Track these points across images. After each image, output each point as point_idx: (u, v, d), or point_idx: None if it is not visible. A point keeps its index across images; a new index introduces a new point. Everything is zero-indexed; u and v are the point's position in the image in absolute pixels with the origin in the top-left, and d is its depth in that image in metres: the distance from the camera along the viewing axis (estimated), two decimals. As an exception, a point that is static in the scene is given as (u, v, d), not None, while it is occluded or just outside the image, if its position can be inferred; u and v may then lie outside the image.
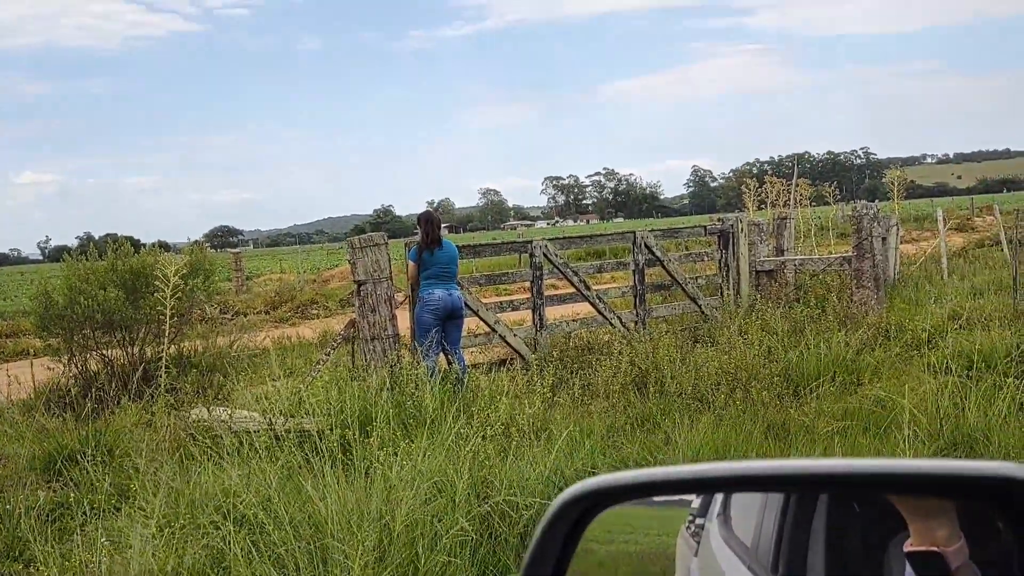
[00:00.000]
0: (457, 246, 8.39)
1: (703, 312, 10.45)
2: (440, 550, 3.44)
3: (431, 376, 7.12)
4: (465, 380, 7.06)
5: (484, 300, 9.55)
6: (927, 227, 30.71)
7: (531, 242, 9.24)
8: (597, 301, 9.53)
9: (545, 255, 9.09)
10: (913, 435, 5.39)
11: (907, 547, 0.97)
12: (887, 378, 7.05)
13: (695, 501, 1.12)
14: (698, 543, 1.15)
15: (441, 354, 7.80)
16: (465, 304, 8.12)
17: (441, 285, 7.76)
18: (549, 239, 9.38)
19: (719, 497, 1.13)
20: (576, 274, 9.42)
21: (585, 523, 0.96)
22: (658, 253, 10.18)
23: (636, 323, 9.66)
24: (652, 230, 10.78)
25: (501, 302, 9.77)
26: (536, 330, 8.86)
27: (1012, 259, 10.32)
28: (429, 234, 7.83)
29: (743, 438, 5.57)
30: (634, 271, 10.05)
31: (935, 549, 0.96)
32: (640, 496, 0.98)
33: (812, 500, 1.02)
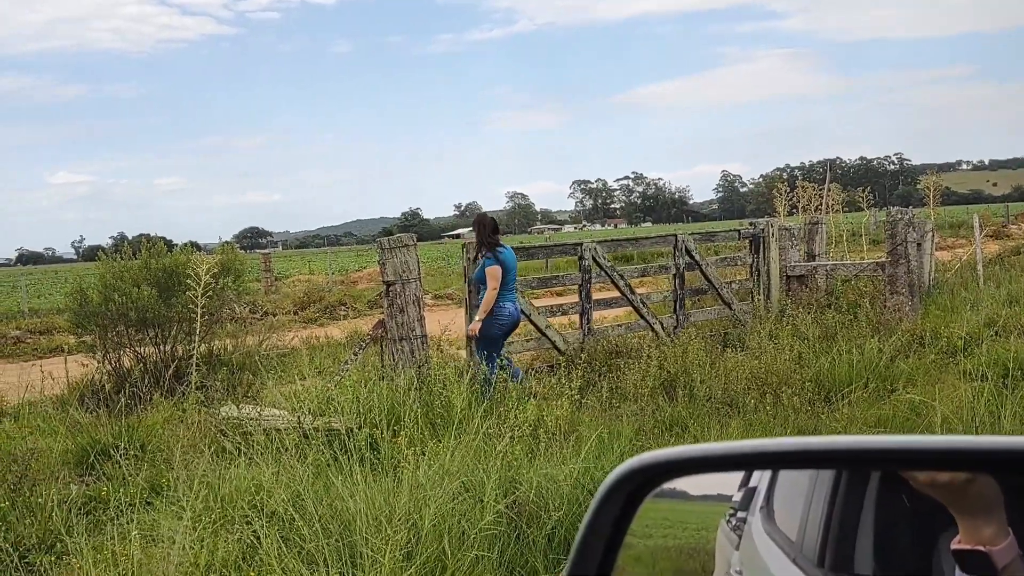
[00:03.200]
0: (512, 247, 8.00)
1: (736, 317, 10.37)
2: (468, 548, 3.43)
3: (487, 394, 6.81)
4: (525, 386, 6.84)
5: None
6: (962, 234, 30.25)
7: (581, 244, 9.13)
8: (641, 305, 9.46)
9: (594, 258, 9.01)
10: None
11: (954, 544, 0.95)
12: (921, 385, 6.94)
13: (736, 495, 1.10)
14: (739, 537, 1.12)
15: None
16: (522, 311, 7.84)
17: (510, 298, 7.41)
18: (597, 241, 9.29)
19: (762, 490, 1.11)
20: (622, 278, 9.33)
21: (639, 501, 0.94)
22: (697, 257, 10.12)
23: (675, 327, 9.59)
24: (691, 234, 10.70)
25: (552, 306, 9.48)
26: (584, 335, 8.73)
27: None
28: (490, 236, 7.47)
29: (773, 443, 5.51)
30: (674, 275, 9.99)
31: (981, 548, 0.94)
32: (698, 471, 0.96)
33: (860, 492, 1.00)
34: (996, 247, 23.62)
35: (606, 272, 9.14)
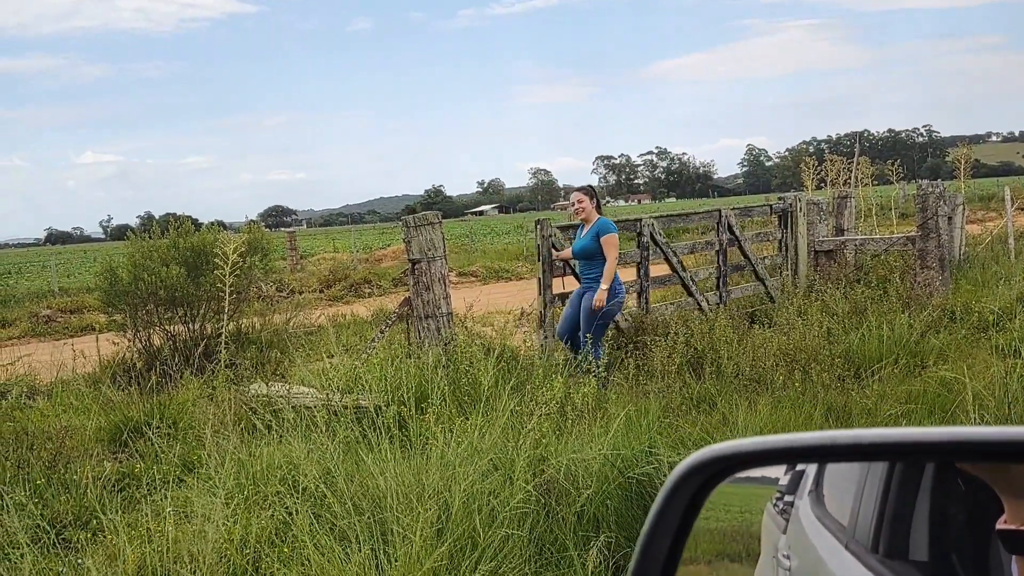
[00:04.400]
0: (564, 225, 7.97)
1: (769, 293, 10.29)
2: (498, 525, 3.44)
3: (603, 382, 6.64)
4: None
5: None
6: (992, 207, 29.74)
7: (640, 220, 8.97)
8: (691, 283, 9.37)
9: (652, 236, 8.90)
10: (980, 419, 5.24)
11: (1000, 525, 0.92)
12: (953, 361, 6.85)
13: (783, 478, 1.08)
14: (787, 521, 1.10)
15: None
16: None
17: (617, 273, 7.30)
18: (655, 217, 9.15)
19: (811, 474, 1.09)
20: (675, 254, 9.21)
21: (706, 494, 0.92)
22: (737, 232, 10.01)
23: (719, 304, 9.50)
24: (732, 208, 10.56)
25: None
26: (644, 313, 8.63)
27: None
28: (597, 203, 7.43)
29: (803, 420, 5.47)
30: (717, 251, 9.87)
31: None
32: (769, 463, 0.93)
33: (916, 477, 0.97)
34: (1029, 220, 23.20)
35: (662, 249, 8.96)
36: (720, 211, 10.08)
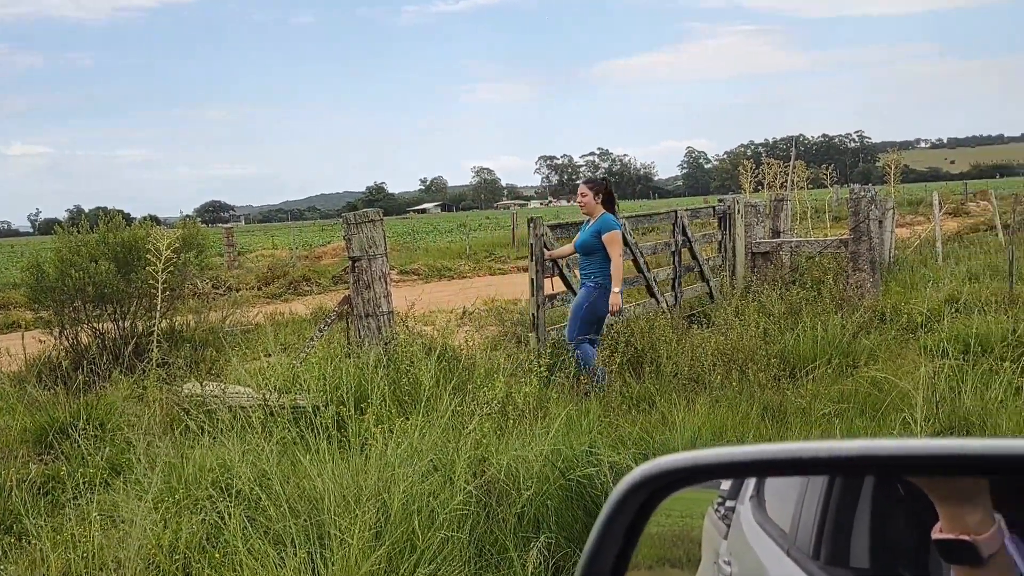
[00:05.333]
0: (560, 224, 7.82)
1: (711, 293, 10.43)
2: (438, 527, 3.40)
3: (600, 378, 6.65)
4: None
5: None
6: (920, 211, 30.73)
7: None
8: (654, 284, 9.37)
9: (623, 236, 8.80)
10: (910, 418, 5.39)
11: (935, 534, 0.91)
12: (883, 361, 7.03)
13: (724, 483, 1.07)
14: (728, 526, 1.09)
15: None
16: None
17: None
18: (625, 217, 9.00)
19: (751, 480, 1.08)
20: (643, 255, 9.16)
21: (651, 510, 0.89)
22: (689, 234, 10.12)
23: (674, 306, 9.56)
24: (686, 210, 10.68)
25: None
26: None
27: (1010, 245, 10.31)
28: (611, 199, 7.24)
29: (740, 419, 5.55)
30: (673, 252, 9.94)
31: (965, 538, 0.90)
32: (719, 477, 0.92)
33: (858, 484, 0.96)
34: (955, 224, 24.03)
35: (631, 250, 8.83)
36: (676, 212, 10.20)
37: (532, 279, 7.69)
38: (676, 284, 9.91)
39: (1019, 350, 6.28)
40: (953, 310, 8.66)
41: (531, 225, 7.74)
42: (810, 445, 0.81)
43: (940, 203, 17.35)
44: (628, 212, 10.25)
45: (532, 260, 7.72)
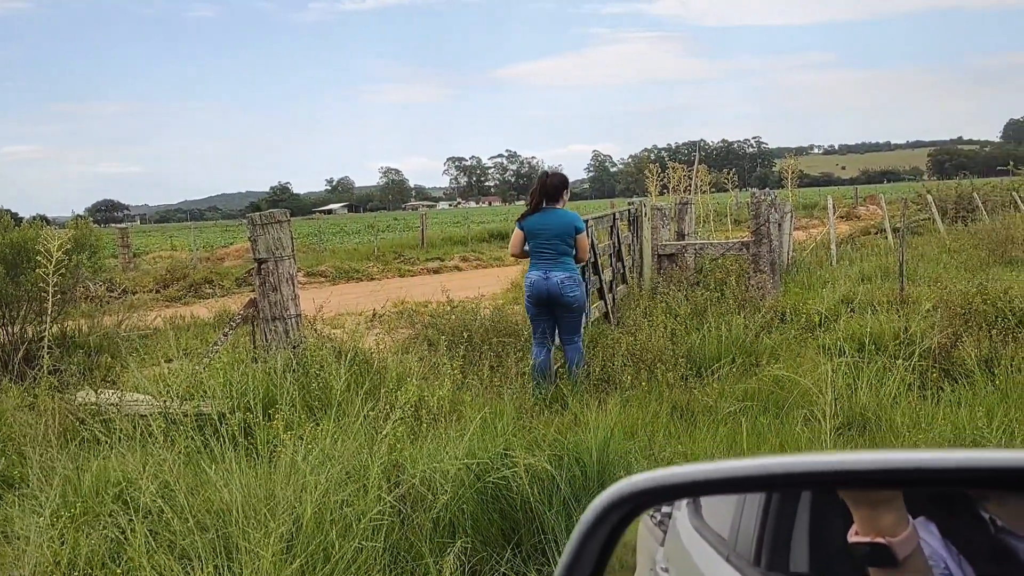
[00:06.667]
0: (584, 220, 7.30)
1: (630, 295, 10.58)
2: (353, 536, 3.33)
3: (535, 372, 6.66)
4: (578, 373, 6.62)
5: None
6: (815, 215, 32.02)
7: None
8: (604, 286, 9.29)
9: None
10: (810, 414, 5.59)
11: (851, 537, 0.92)
12: (784, 360, 7.27)
13: (660, 489, 1.07)
14: (664, 532, 1.09)
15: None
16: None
17: (539, 266, 6.80)
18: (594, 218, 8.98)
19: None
20: (598, 257, 9.01)
21: (621, 531, 0.87)
22: (619, 236, 10.21)
23: (613, 307, 9.59)
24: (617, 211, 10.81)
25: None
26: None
27: (900, 247, 10.82)
28: (532, 197, 6.89)
29: (650, 418, 5.65)
30: (611, 255, 9.96)
31: (880, 540, 0.91)
32: (694, 495, 0.90)
33: (795, 490, 0.97)
34: (847, 227, 25.14)
35: (594, 250, 8.63)
36: (614, 214, 10.33)
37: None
38: (614, 285, 9.98)
39: (910, 348, 6.58)
40: (848, 310, 9.03)
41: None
42: (791, 459, 0.80)
43: (834, 207, 18.11)
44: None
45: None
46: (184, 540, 3.29)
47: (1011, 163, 26.51)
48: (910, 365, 6.23)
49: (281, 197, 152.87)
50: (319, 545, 3.26)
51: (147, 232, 57.48)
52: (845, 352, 6.72)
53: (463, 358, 6.83)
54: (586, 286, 7.75)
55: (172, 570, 3.10)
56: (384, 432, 4.03)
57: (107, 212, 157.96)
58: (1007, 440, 4.87)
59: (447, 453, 4.00)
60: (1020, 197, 21.99)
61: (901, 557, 0.91)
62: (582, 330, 7.00)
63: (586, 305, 7.09)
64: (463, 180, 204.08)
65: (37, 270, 7.17)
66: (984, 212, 20.92)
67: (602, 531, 0.86)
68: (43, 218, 15.39)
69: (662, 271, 11.30)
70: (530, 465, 3.91)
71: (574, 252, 6.91)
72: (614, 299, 9.85)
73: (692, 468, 0.86)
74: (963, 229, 18.68)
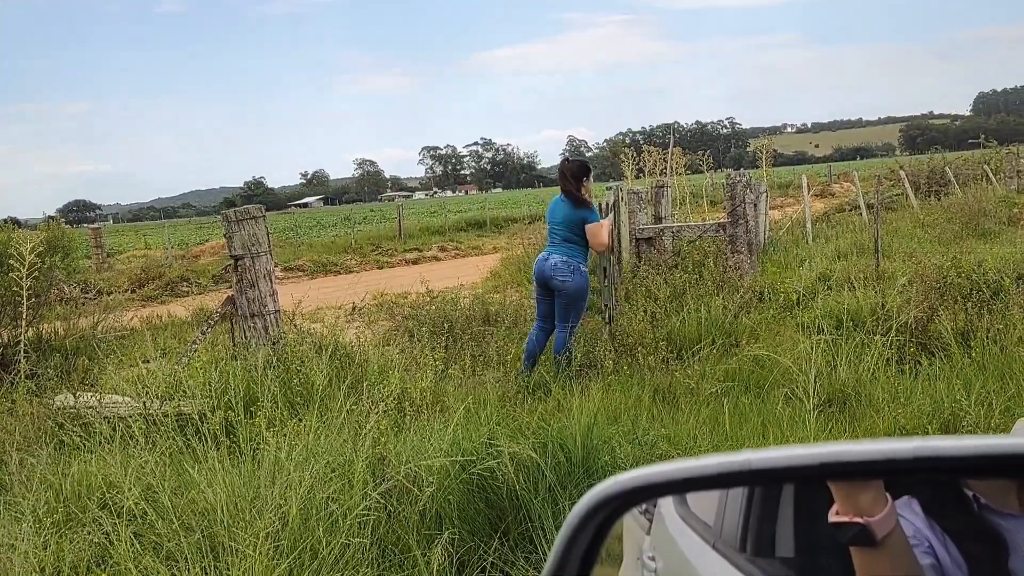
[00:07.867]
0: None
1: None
2: (339, 532, 3.32)
3: (524, 355, 6.83)
4: (562, 362, 6.65)
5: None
6: (791, 194, 32.22)
7: None
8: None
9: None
10: (791, 392, 5.64)
11: (831, 517, 0.92)
12: (764, 339, 7.32)
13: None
14: (650, 521, 1.09)
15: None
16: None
17: (547, 249, 7.18)
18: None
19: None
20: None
21: (608, 528, 0.87)
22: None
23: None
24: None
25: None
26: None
27: (875, 223, 10.92)
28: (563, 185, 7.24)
29: (633, 402, 5.67)
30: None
31: (858, 519, 0.92)
32: (679, 492, 0.90)
33: None
34: (822, 205, 25.31)
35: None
36: (602, 204, 10.32)
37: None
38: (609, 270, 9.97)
39: (888, 324, 6.64)
40: (826, 287, 9.10)
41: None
42: (774, 454, 0.80)
43: (808, 186, 18.23)
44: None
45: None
46: (170, 542, 3.26)
47: (982, 136, 26.79)
48: (888, 340, 6.29)
49: (255, 192, 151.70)
50: (306, 542, 3.25)
51: (120, 231, 56.78)
52: (823, 330, 6.78)
53: (444, 348, 6.82)
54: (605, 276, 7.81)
55: (159, 572, 3.08)
56: (368, 426, 4.01)
57: (79, 212, 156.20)
58: (985, 411, 4.93)
59: (431, 445, 4.00)
60: (991, 170, 22.24)
61: (880, 536, 0.92)
62: (576, 320, 7.04)
63: (586, 298, 7.14)
64: (439, 169, 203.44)
65: (10, 274, 7.07)
66: (956, 186, 21.13)
67: (589, 529, 0.86)
68: (14, 221, 15.18)
69: (640, 254, 11.32)
70: (515, 453, 3.91)
71: (581, 240, 7.07)
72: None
73: (677, 466, 0.85)
74: (936, 203, 18.86)
